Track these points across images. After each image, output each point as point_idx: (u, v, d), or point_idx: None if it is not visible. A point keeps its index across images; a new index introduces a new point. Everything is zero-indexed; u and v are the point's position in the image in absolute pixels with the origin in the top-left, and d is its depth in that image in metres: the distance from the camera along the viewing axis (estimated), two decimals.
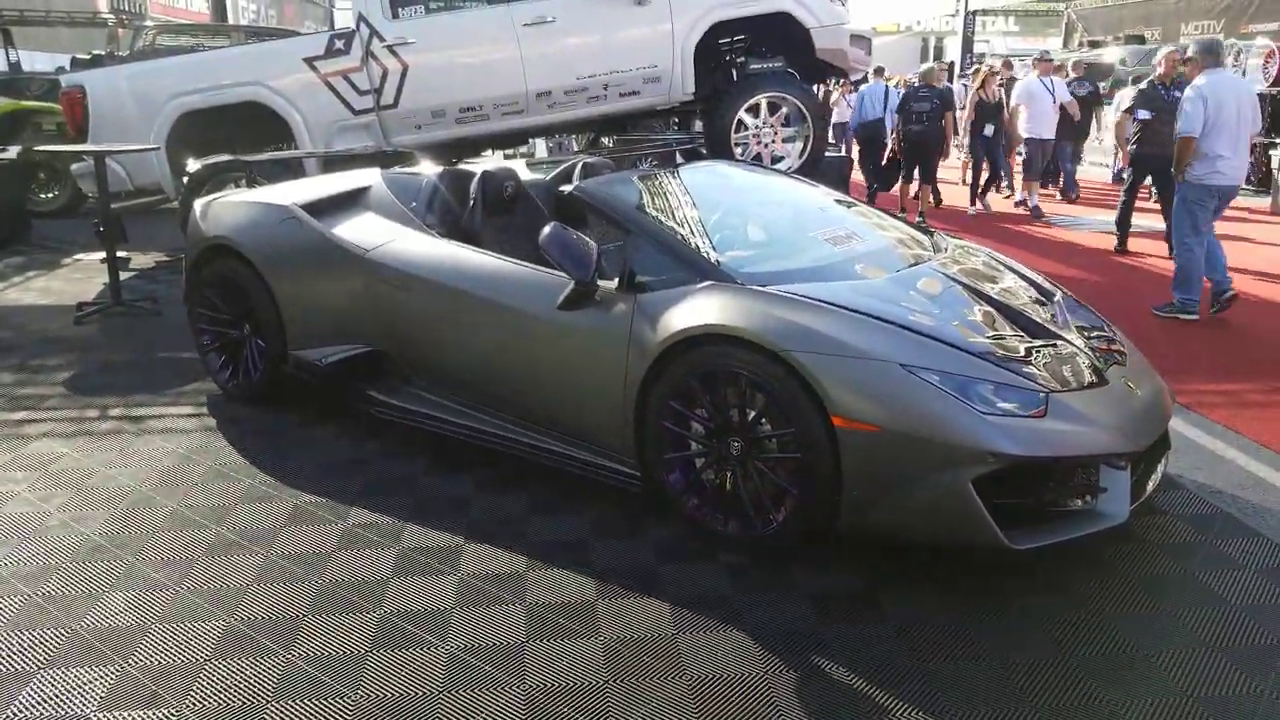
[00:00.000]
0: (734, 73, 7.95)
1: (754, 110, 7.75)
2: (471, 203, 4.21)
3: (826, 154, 8.32)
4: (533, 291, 3.59)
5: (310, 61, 7.38)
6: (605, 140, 9.43)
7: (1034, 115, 11.07)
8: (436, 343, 3.88)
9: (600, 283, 3.38)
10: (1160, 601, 2.94)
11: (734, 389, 3.09)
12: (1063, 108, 11.36)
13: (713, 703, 2.44)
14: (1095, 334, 3.57)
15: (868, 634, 2.73)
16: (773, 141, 7.81)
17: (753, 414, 3.08)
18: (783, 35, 7.68)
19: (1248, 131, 6.36)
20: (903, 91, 11.40)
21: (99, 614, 2.82)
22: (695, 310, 3.15)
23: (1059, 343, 3.32)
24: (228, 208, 4.65)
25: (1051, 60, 11.85)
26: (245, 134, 7.56)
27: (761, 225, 4.08)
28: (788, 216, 4.16)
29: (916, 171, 10.96)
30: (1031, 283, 3.87)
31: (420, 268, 3.89)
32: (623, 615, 2.82)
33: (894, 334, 3.02)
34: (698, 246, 3.43)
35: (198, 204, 4.82)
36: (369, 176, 4.54)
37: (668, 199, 3.78)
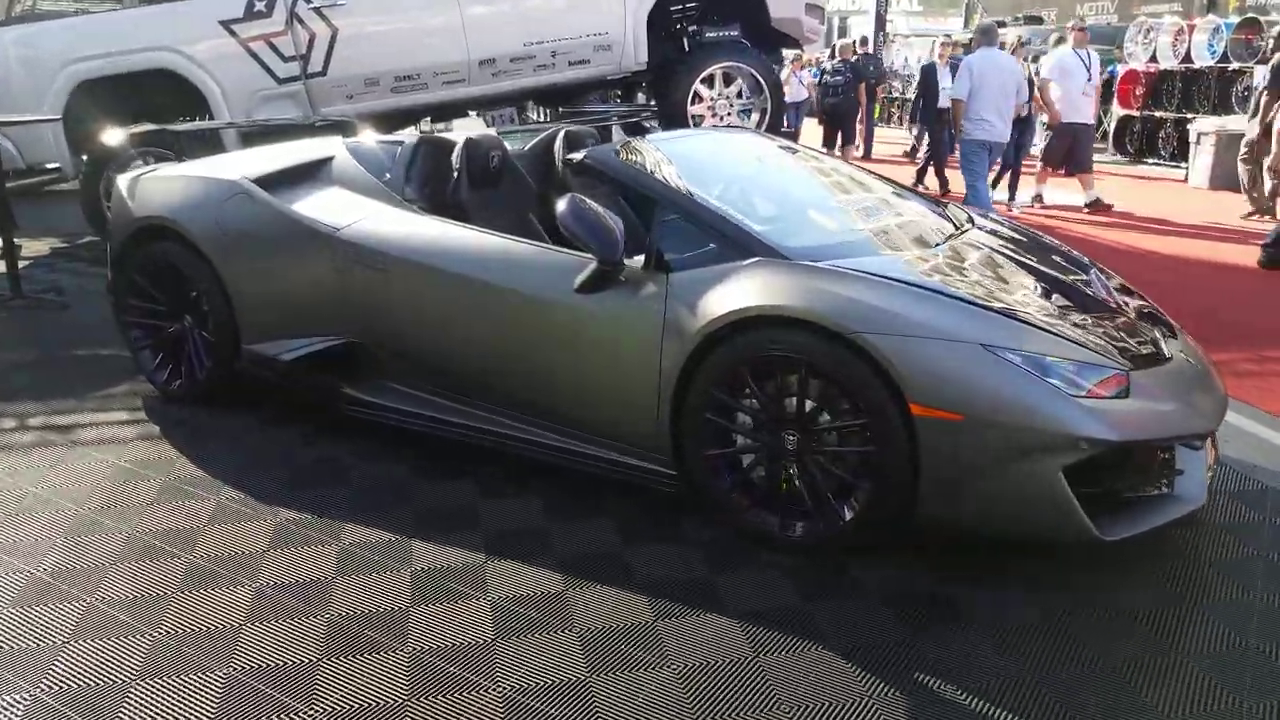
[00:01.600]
0: (685, 42, 7.59)
1: (709, 81, 7.42)
2: (455, 175, 3.75)
3: (781, 131, 8.07)
4: (544, 272, 3.19)
5: (227, 25, 6.72)
6: (531, 115, 8.98)
7: (1067, 95, 9.27)
8: (426, 332, 3.44)
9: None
10: (1250, 587, 2.75)
11: (792, 376, 2.76)
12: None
13: None
14: (1143, 306, 3.38)
15: (962, 640, 2.46)
16: (729, 114, 7.50)
17: (812, 404, 2.76)
18: (735, 3, 7.37)
19: (1010, 101, 8.04)
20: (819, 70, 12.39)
21: (64, 670, 2.33)
22: (745, 290, 2.81)
23: (1117, 316, 3.11)
24: (163, 183, 4.08)
25: (1086, 29, 9.80)
26: (151, 106, 6.84)
27: (783, 196, 3.74)
28: (807, 187, 3.83)
29: (839, 139, 12.29)
30: (1062, 254, 3.66)
31: (404, 248, 3.44)
32: (690, 637, 2.47)
33: (968, 311, 2.74)
34: (737, 219, 3.09)
35: (122, 180, 4.23)
36: (328, 147, 4.03)
37: (683, 168, 3.41)
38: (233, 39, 6.73)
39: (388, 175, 3.73)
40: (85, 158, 7.02)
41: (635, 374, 3.00)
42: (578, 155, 3.35)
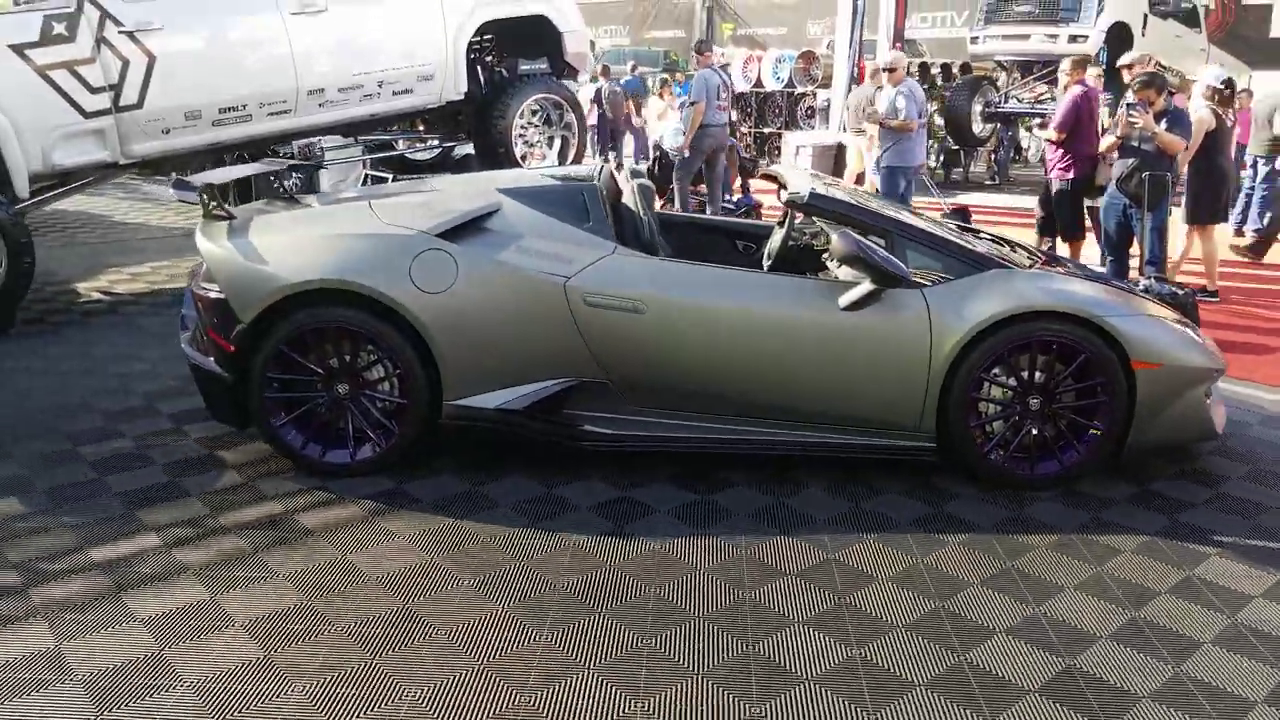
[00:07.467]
0: (491, 74, 7.87)
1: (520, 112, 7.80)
2: (642, 216, 4.03)
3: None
4: (803, 297, 3.79)
5: (20, 49, 5.58)
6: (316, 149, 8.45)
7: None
8: (686, 362, 3.75)
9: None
10: None
11: (1043, 355, 3.74)
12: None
13: None
14: None
15: None
16: (539, 142, 7.95)
17: (1050, 375, 3.77)
18: (536, 40, 7.86)
19: None
20: None
21: None
22: (1004, 295, 3.71)
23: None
24: (314, 243, 3.75)
25: None
26: None
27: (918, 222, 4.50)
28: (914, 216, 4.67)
29: None
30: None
31: (660, 288, 3.73)
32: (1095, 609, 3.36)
33: (1122, 291, 4.00)
34: (964, 243, 3.97)
35: (232, 239, 3.74)
36: (485, 197, 3.98)
37: (865, 204, 4.20)
38: (26, 64, 5.60)
39: (589, 223, 3.89)
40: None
41: (906, 371, 3.74)
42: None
